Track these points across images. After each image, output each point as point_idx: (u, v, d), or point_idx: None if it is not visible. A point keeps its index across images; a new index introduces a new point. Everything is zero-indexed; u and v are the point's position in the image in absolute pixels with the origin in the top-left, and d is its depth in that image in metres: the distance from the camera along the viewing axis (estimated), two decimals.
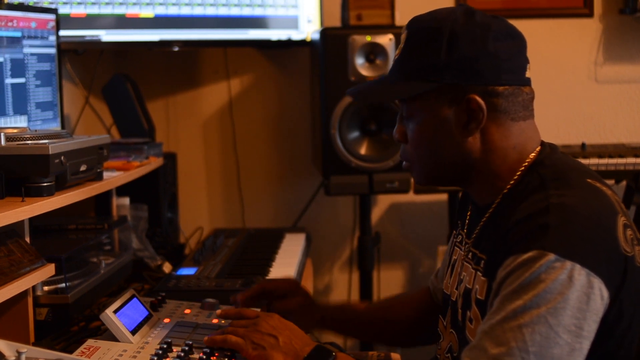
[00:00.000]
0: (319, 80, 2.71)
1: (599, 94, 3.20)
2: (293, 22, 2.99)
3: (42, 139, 1.63)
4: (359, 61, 2.66)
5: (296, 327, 1.41)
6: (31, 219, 1.57)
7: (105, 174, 1.96)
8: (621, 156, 2.71)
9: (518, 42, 1.31)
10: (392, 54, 2.66)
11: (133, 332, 1.46)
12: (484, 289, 1.25)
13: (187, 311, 1.67)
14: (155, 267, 2.22)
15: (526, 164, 1.30)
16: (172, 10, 2.81)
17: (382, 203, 3.27)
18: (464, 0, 3.08)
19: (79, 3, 2.62)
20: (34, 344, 1.52)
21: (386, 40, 2.67)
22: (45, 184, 1.59)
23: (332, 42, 2.66)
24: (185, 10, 2.83)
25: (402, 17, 2.76)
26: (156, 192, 2.54)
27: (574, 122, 3.21)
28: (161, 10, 2.79)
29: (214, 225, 3.13)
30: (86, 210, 2.22)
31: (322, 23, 3.01)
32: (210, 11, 2.87)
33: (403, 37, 1.33)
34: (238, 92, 3.20)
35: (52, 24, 2.09)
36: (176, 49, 2.84)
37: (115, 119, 2.74)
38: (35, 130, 1.72)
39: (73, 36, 2.61)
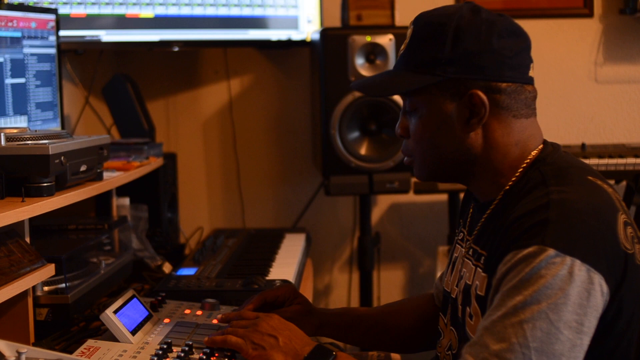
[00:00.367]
0: (319, 80, 2.71)
1: (599, 94, 3.20)
2: (293, 22, 2.99)
3: (42, 139, 1.63)
4: (359, 61, 2.66)
5: (296, 327, 1.41)
6: (31, 219, 1.56)
7: (106, 174, 1.96)
8: (621, 156, 2.70)
9: (522, 40, 1.31)
10: (392, 54, 2.66)
11: (133, 333, 1.46)
12: (484, 285, 1.26)
13: (187, 311, 1.67)
14: (155, 267, 2.22)
15: (528, 161, 1.30)
16: (172, 11, 2.81)
17: (382, 203, 3.27)
18: None
19: (79, 3, 2.62)
20: (34, 344, 1.52)
21: (386, 40, 2.67)
22: (45, 184, 1.59)
23: (332, 42, 2.66)
24: (185, 11, 2.83)
25: (402, 17, 2.76)
26: (156, 192, 2.54)
27: (574, 122, 3.21)
28: (161, 11, 2.79)
29: (214, 226, 3.13)
30: (86, 211, 2.22)
31: (322, 23, 3.01)
32: (210, 11, 2.86)
33: (409, 32, 1.34)
34: (238, 92, 3.20)
35: (52, 24, 2.09)
36: (176, 49, 2.83)
37: (115, 119, 2.74)
38: (36, 131, 1.72)
39: (73, 36, 2.61)
